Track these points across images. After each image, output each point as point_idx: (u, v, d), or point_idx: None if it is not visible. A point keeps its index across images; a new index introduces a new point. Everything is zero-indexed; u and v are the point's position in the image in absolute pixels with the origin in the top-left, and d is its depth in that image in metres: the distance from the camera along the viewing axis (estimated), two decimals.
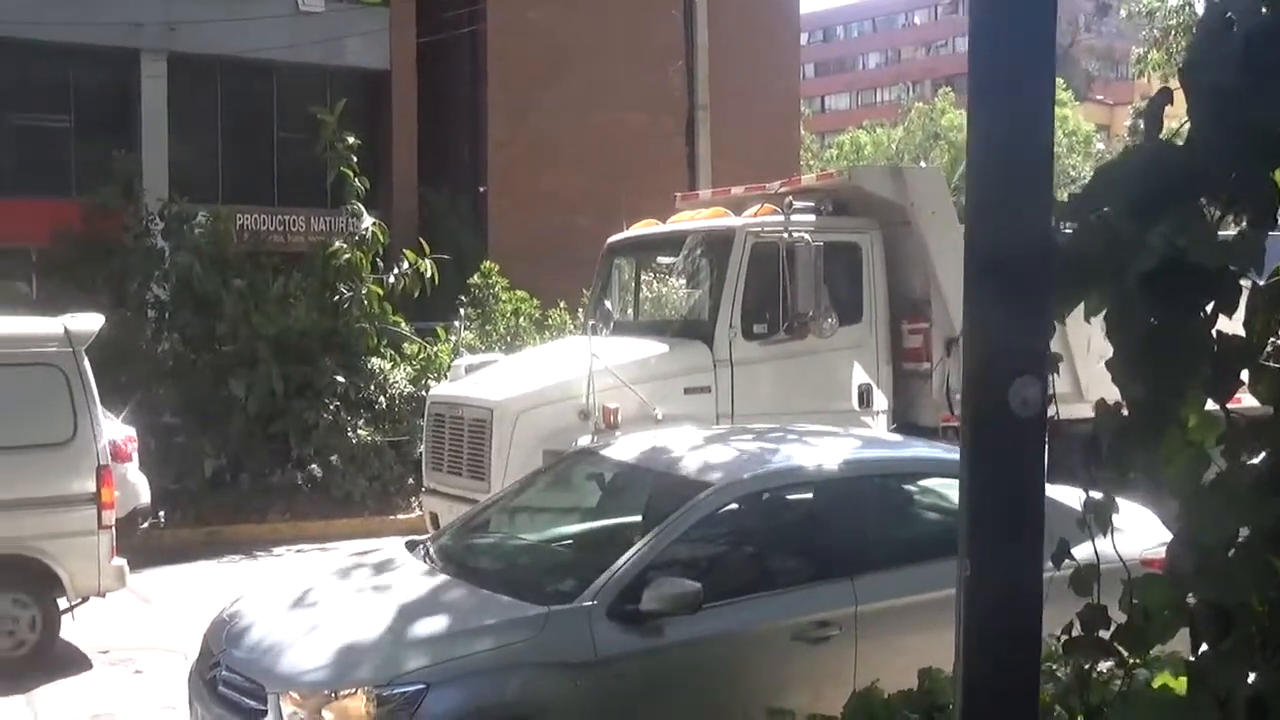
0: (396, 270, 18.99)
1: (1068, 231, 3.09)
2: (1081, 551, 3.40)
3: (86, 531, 10.33)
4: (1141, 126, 3.33)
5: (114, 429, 13.02)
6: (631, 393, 11.81)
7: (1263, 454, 2.95)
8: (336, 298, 18.23)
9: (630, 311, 14.76)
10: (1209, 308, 2.86)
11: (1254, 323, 2.97)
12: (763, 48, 37.06)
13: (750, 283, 12.73)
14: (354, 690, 6.10)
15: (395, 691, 6.05)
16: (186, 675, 7.32)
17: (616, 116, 34.33)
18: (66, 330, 10.49)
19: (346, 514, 16.75)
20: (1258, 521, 2.84)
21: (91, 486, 10.33)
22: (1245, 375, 2.97)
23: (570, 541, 8.06)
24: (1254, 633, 2.89)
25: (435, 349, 18.99)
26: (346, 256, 18.29)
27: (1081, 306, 2.96)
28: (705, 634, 6.60)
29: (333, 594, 7.29)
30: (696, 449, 8.11)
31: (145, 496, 14.44)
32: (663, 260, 14.70)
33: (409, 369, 18.50)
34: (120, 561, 10.61)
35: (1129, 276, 2.79)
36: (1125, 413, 2.95)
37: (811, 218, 13.02)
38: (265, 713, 6.24)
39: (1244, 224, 2.89)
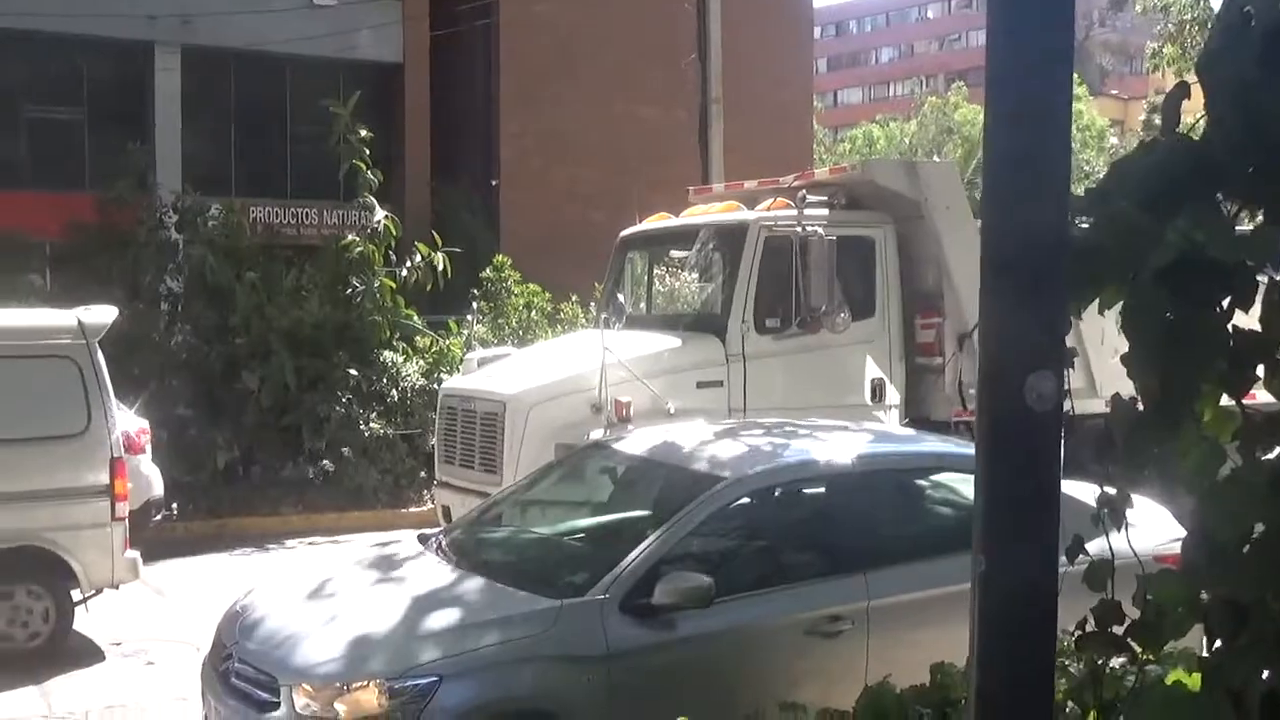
0: (409, 263, 19.03)
1: (1083, 226, 3.08)
2: (1095, 547, 3.40)
3: (100, 523, 10.35)
4: (1156, 121, 3.32)
5: (127, 421, 13.04)
6: (644, 386, 11.81)
7: (1278, 450, 2.95)
8: (349, 291, 18.26)
9: (643, 305, 14.78)
10: (1225, 302, 2.85)
11: (1270, 318, 2.95)
12: (776, 41, 37.00)
13: (763, 277, 12.73)
14: (366, 682, 6.12)
15: (407, 684, 6.06)
16: (199, 667, 7.34)
17: (630, 110, 34.30)
18: (80, 322, 10.51)
19: (358, 507, 16.77)
20: (1273, 517, 2.83)
21: (105, 478, 10.36)
22: (1261, 371, 2.96)
23: (582, 535, 8.06)
24: (1269, 629, 2.88)
25: (447, 342, 19.02)
26: (359, 249, 18.32)
27: (1096, 301, 2.95)
28: (717, 628, 6.61)
29: (345, 586, 7.30)
30: (708, 443, 8.11)
31: (158, 489, 14.45)
32: (675, 254, 14.71)
33: (421, 362, 18.52)
34: (133, 553, 10.64)
35: (1145, 271, 2.78)
36: (1140, 408, 2.94)
37: (825, 212, 13.02)
38: (277, 704, 6.26)
39: (1261, 219, 2.88)
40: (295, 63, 32.61)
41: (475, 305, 21.14)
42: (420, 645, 6.33)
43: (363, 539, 14.10)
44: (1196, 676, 3.35)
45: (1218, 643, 3.00)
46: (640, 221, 14.69)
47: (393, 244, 18.98)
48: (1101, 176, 3.04)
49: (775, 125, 34.91)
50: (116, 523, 10.43)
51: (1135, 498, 3.51)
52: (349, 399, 17.37)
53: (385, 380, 17.94)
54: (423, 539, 7.97)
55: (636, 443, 8.57)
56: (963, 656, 3.76)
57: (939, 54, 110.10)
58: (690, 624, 6.52)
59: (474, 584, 6.99)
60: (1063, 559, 3.27)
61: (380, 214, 18.89)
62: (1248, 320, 2.93)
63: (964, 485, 7.26)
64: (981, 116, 3.34)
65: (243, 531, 15.90)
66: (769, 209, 13.14)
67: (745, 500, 7.36)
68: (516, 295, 21.33)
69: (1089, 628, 3.50)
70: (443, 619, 6.59)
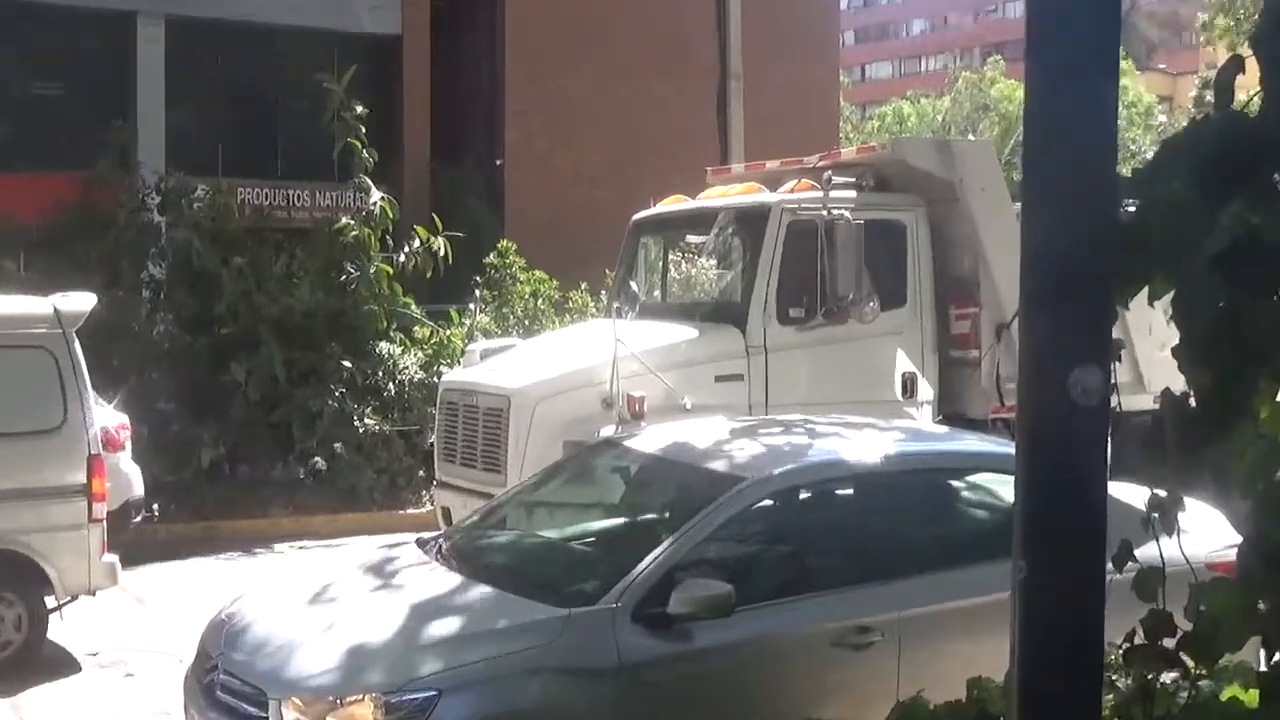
0: (407, 248, 19.04)
1: (1130, 209, 3.06)
2: (1145, 554, 3.39)
3: (76, 525, 10.37)
4: (1208, 97, 3.30)
5: (106, 416, 13.06)
6: (658, 380, 11.81)
7: None
8: (343, 277, 18.28)
9: (657, 293, 14.79)
10: None
11: None
12: (799, 13, 36.89)
13: (786, 263, 12.72)
14: (361, 696, 6.12)
15: (405, 698, 6.06)
16: (181, 679, 7.36)
17: (643, 87, 34.19)
18: (56, 310, 10.52)
19: (353, 508, 16.77)
20: None
21: (82, 477, 10.37)
22: None
23: (592, 539, 8.05)
24: None
25: (448, 333, 19.00)
26: (354, 233, 18.33)
27: (1144, 290, 2.94)
28: (737, 639, 6.61)
29: (338, 594, 7.31)
30: (727, 441, 8.11)
31: (139, 488, 14.47)
32: (692, 239, 14.71)
33: (420, 354, 18.50)
34: (112, 558, 10.66)
35: (1197, 257, 2.77)
36: (1192, 404, 2.93)
37: (852, 194, 13.00)
38: (265, 719, 6.26)
39: None
40: (286, 34, 32.55)
41: (478, 293, 21.09)
42: (419, 657, 6.33)
43: (357, 542, 14.13)
44: (1254, 693, 3.34)
45: (1276, 656, 2.99)
46: (654, 204, 14.68)
47: (390, 228, 18.98)
48: (1150, 156, 3.02)
49: (799, 102, 34.81)
50: (94, 524, 10.44)
51: (1187, 500, 3.50)
52: (343, 393, 17.37)
53: (381, 373, 17.93)
54: (421, 543, 7.97)
55: (650, 440, 8.57)
56: (1001, 670, 3.75)
57: (974, 26, 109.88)
58: (708, 635, 6.51)
59: (476, 591, 6.98)
60: (1110, 566, 3.26)
61: (376, 196, 18.88)
62: None
63: (1003, 487, 7.23)
64: (1020, 92, 3.33)
65: (229, 534, 15.91)
66: (792, 191, 13.12)
67: (767, 502, 7.34)
68: (522, 283, 21.29)
69: (1138, 640, 3.50)
70: (442, 629, 6.59)
